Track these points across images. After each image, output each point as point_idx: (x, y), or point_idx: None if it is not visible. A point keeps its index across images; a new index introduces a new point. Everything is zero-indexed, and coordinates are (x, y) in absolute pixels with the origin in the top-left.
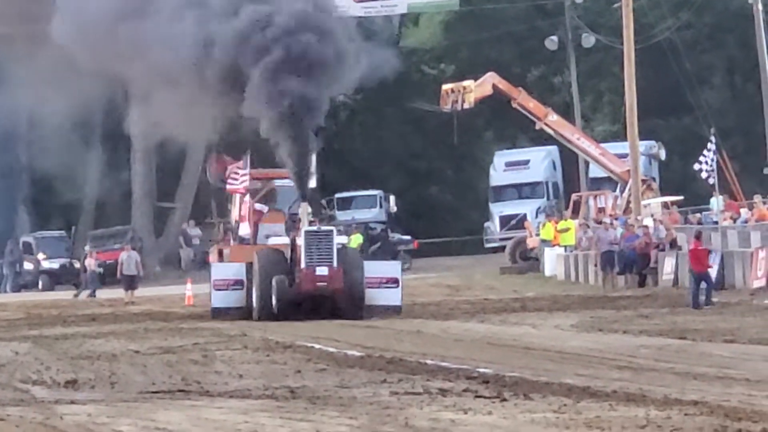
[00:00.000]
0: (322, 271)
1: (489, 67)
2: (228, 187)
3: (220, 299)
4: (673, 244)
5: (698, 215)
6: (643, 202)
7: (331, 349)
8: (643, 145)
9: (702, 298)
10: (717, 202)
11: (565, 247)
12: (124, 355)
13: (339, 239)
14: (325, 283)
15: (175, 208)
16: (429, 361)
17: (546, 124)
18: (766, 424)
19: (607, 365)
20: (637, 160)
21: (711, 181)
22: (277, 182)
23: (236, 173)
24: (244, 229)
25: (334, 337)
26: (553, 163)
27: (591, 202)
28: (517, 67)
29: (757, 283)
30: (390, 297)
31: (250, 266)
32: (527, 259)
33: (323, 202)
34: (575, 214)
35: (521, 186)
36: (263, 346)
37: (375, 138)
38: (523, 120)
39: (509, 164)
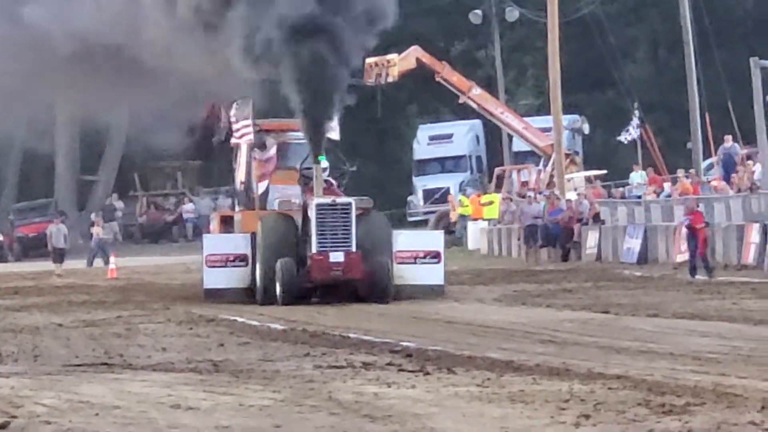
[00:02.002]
0: (336, 257)
1: (413, 40)
2: (230, 139)
3: (215, 278)
4: (596, 218)
5: (621, 189)
6: (566, 176)
7: (254, 323)
8: (566, 119)
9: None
10: (640, 175)
11: (489, 220)
12: (47, 328)
13: (363, 203)
14: (340, 272)
15: (98, 181)
16: (352, 335)
17: (470, 98)
18: (689, 398)
19: (531, 339)
20: (561, 134)
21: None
22: (291, 135)
23: (238, 124)
24: (262, 188)
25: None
26: (477, 137)
27: (514, 176)
28: (441, 41)
29: (680, 258)
30: (430, 275)
31: (255, 237)
32: (450, 233)
33: (344, 162)
34: (499, 188)
35: (445, 160)
36: (186, 320)
37: None
38: (447, 94)
39: (433, 138)
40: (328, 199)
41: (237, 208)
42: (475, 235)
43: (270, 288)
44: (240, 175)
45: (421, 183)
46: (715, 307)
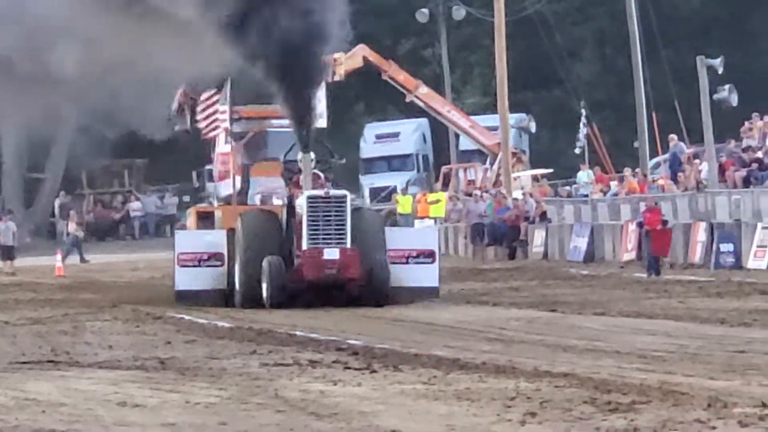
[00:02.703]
0: (331, 254)
1: (360, 39)
2: (203, 129)
3: (188, 279)
4: (543, 216)
5: (568, 188)
6: (513, 175)
7: (201, 321)
8: (513, 118)
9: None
10: (587, 174)
11: (435, 219)
12: None
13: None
14: (335, 271)
15: (45, 179)
16: (299, 333)
17: (416, 97)
18: (635, 395)
19: (477, 337)
20: (508, 133)
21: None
22: (273, 123)
23: (213, 111)
24: (227, 189)
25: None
26: (424, 136)
27: (461, 174)
28: (388, 39)
29: (627, 256)
30: (423, 276)
31: (233, 234)
32: None
33: (332, 153)
34: (445, 186)
35: (391, 158)
36: (133, 317)
37: None
38: (394, 92)
39: (379, 137)
40: (320, 191)
41: (215, 203)
42: None
43: (252, 290)
44: (218, 167)
45: (368, 181)
46: (661, 305)
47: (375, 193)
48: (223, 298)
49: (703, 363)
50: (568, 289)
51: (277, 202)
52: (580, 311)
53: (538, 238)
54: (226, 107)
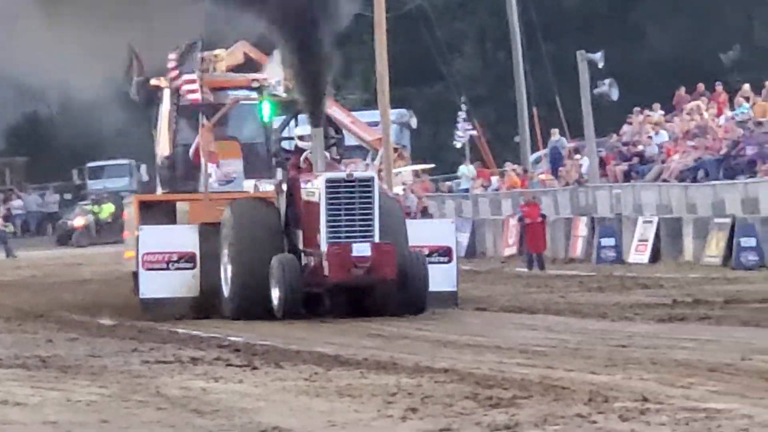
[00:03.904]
0: (361, 249)
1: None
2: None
3: (155, 284)
4: (424, 212)
5: (449, 183)
6: (394, 171)
7: (83, 319)
8: (394, 114)
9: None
10: (468, 169)
11: None
12: None
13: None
14: (364, 270)
15: None
16: (180, 330)
17: None
18: (516, 390)
19: (358, 334)
20: (388, 128)
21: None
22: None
23: (177, 77)
24: (212, 167)
25: None
26: None
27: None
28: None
29: (508, 251)
30: (438, 278)
31: (208, 231)
32: None
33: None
34: None
35: None
36: (15, 315)
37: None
38: None
39: None
40: (341, 174)
41: (159, 191)
42: None
43: (249, 297)
44: (163, 145)
45: None
46: (542, 300)
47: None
48: (195, 306)
49: (584, 357)
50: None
51: (267, 187)
52: (461, 306)
53: None
54: (195, 75)
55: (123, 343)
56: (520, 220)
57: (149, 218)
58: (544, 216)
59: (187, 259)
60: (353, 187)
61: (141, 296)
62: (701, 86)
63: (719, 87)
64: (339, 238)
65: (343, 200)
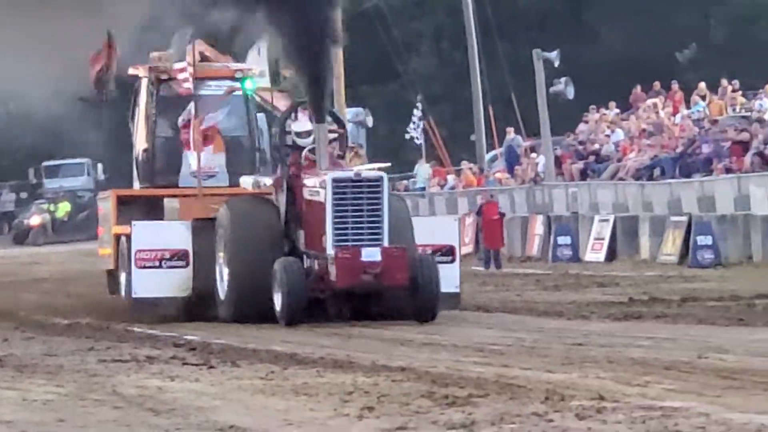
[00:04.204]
0: (371, 254)
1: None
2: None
3: (149, 284)
4: None
5: (405, 182)
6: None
7: (39, 318)
8: (350, 112)
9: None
10: (424, 168)
11: None
12: None
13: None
14: (373, 276)
15: None
16: (137, 329)
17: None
18: (472, 389)
19: (316, 333)
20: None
21: (418, 141)
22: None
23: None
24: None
25: None
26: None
27: None
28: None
29: (464, 249)
30: (442, 279)
31: (201, 227)
32: None
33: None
34: None
35: None
36: None
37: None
38: None
39: None
40: (348, 173)
41: (136, 185)
42: None
43: (247, 299)
44: (141, 138)
45: None
46: (499, 298)
47: None
48: (185, 307)
49: (541, 356)
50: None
51: (267, 182)
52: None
53: None
54: (185, 63)
55: (79, 342)
56: (479, 213)
57: (127, 214)
58: (502, 214)
59: (180, 256)
60: (361, 187)
61: (134, 296)
62: (657, 85)
63: (675, 85)
64: (346, 241)
65: (351, 201)
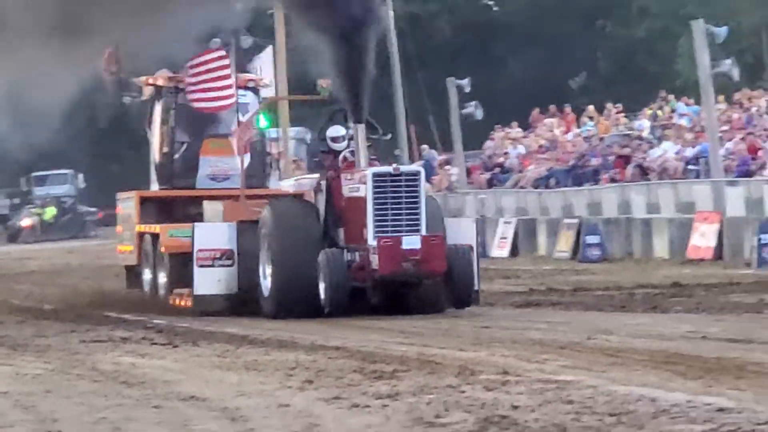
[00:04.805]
0: (411, 242)
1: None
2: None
3: (207, 282)
4: None
5: None
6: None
7: (29, 304)
8: (293, 131)
9: None
10: None
11: None
12: None
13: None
14: (414, 264)
15: None
16: (112, 315)
17: None
18: (397, 365)
19: (264, 316)
20: (287, 144)
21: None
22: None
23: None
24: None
25: None
26: None
27: None
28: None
29: None
30: None
31: (245, 228)
32: None
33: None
34: None
35: None
36: None
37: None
38: None
39: None
40: (388, 168)
41: (154, 187)
42: None
43: (290, 294)
44: (159, 143)
45: None
46: None
47: None
48: (234, 303)
49: (454, 337)
50: None
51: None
52: None
53: None
54: (230, 71)
55: (64, 326)
56: None
57: (147, 215)
58: None
59: (228, 255)
60: (400, 181)
61: (195, 293)
62: (553, 107)
63: (568, 108)
64: (386, 232)
65: (390, 194)
